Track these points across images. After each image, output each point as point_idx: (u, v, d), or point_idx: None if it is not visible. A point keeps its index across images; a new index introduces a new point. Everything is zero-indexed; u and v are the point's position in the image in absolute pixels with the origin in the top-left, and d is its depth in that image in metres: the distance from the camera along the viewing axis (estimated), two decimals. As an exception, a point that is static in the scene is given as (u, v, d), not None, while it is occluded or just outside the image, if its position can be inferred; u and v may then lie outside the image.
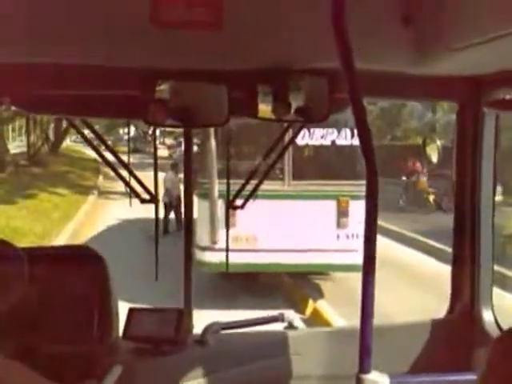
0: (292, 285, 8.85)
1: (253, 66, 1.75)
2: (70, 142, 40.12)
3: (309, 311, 7.93)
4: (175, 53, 1.66)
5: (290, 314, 2.24)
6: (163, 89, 1.82)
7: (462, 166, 2.14)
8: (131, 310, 1.89)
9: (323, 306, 7.99)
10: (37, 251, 1.87)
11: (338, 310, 7.35)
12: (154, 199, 2.25)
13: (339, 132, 8.00)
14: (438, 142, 2.46)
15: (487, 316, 2.12)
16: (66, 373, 1.72)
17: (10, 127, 33.59)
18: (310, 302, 8.11)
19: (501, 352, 0.90)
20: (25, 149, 26.30)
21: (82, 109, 2.00)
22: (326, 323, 7.07)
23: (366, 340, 1.35)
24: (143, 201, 2.25)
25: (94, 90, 1.87)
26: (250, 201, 2.47)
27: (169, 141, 39.44)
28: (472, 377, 1.65)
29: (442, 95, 2.10)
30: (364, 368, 1.38)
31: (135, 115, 2.05)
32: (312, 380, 2.05)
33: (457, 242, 2.19)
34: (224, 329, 2.01)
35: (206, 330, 1.96)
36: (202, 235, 7.83)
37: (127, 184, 2.30)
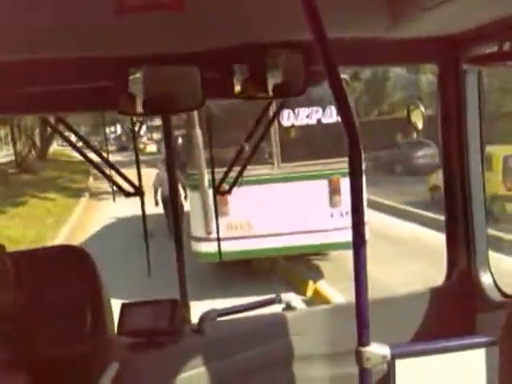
0: (290, 268, 8.85)
1: (224, 44, 1.71)
2: (57, 147, 39.93)
3: (310, 292, 7.93)
4: (144, 39, 1.61)
5: (291, 296, 2.21)
6: (136, 77, 1.78)
7: (448, 130, 2.10)
8: (124, 305, 1.86)
9: (323, 285, 8.00)
10: (24, 253, 1.83)
11: (339, 288, 7.36)
12: (138, 192, 2.22)
13: (324, 110, 7.94)
14: (422, 108, 2.42)
15: (486, 279, 2.10)
16: (63, 373, 1.69)
17: (-5, 136, 33.36)
18: (310, 283, 8.11)
19: None
20: (12, 157, 26.15)
21: (56, 105, 1.94)
22: (327, 301, 7.07)
23: (362, 313, 1.32)
24: (128, 194, 2.22)
25: (67, 85, 1.82)
26: (243, 187, 2.43)
27: (157, 136, 39.38)
28: (473, 341, 1.63)
29: (420, 58, 2.06)
30: (363, 341, 1.35)
31: (111, 106, 2.00)
32: (314, 359, 2.03)
33: (448, 207, 2.16)
34: (221, 315, 1.97)
35: (203, 318, 1.92)
36: (196, 226, 7.79)
37: (110, 179, 2.26)
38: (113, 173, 2.28)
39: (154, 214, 9.11)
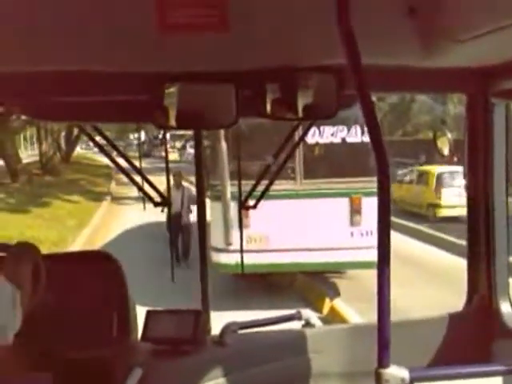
0: (308, 284, 8.84)
1: (260, 65, 1.76)
2: (80, 150, 40.41)
3: (326, 310, 7.92)
4: (182, 56, 1.67)
5: (308, 313, 2.24)
6: (172, 91, 1.83)
7: (474, 159, 2.13)
8: (149, 312, 1.91)
9: (340, 304, 7.99)
10: (54, 257, 1.89)
11: (355, 307, 7.34)
12: (166, 202, 2.27)
13: (349, 129, 7.98)
14: (449, 135, 2.45)
15: (505, 308, 2.11)
16: (87, 376, 1.74)
17: (22, 136, 33.87)
18: (327, 300, 8.10)
19: None
20: (37, 158, 26.54)
21: (92, 115, 2.02)
22: (344, 320, 7.06)
23: (384, 334, 1.35)
24: (156, 204, 2.28)
25: (104, 96, 1.89)
26: (263, 201, 2.48)
27: (179, 144, 39.63)
28: (491, 368, 1.64)
29: (450, 87, 2.09)
30: (383, 362, 1.38)
31: (145, 119, 2.07)
32: (332, 377, 2.05)
33: (471, 235, 2.18)
34: (242, 328, 2.01)
35: (224, 330, 1.97)
36: (216, 237, 7.85)
37: (140, 188, 2.32)
38: (138, 179, 2.33)
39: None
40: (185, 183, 11.05)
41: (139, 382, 1.73)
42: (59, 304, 1.78)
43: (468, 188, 2.19)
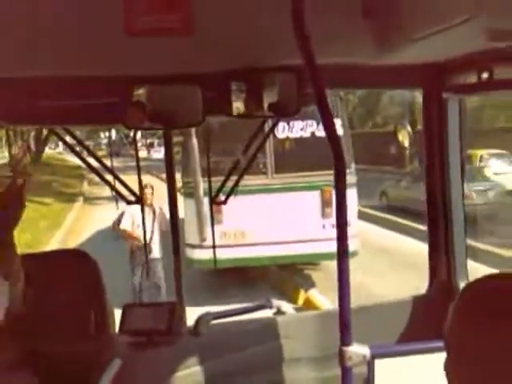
0: (282, 276, 8.95)
1: (224, 66, 1.83)
2: (50, 151, 39.83)
3: (301, 300, 8.04)
4: (149, 59, 1.72)
5: (283, 305, 2.32)
6: (140, 93, 1.90)
7: (431, 150, 2.24)
8: (126, 306, 1.98)
9: (315, 294, 8.12)
10: (32, 256, 1.94)
11: (330, 297, 7.46)
12: (139, 200, 2.33)
13: (318, 123, 8.08)
14: (409, 128, 2.57)
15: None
16: (68, 369, 1.80)
17: (-10, 140, 33.29)
18: (302, 291, 8.22)
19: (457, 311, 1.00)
20: (6, 160, 26.10)
21: (62, 118, 2.06)
22: (319, 310, 7.18)
23: (344, 315, 1.44)
24: (129, 202, 2.34)
25: (73, 99, 1.93)
26: (236, 196, 2.55)
27: (147, 141, 39.21)
28: None
29: (406, 83, 2.19)
30: (345, 341, 1.47)
31: (115, 120, 2.12)
32: (303, 362, 2.14)
33: (431, 222, 2.29)
34: (215, 318, 2.09)
35: (199, 320, 2.05)
36: (190, 234, 7.89)
37: (112, 188, 2.37)
38: (112, 179, 2.38)
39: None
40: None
41: (118, 372, 1.80)
42: (38, 301, 1.83)
43: (427, 178, 2.30)
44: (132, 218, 7.19)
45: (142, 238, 6.23)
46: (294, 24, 1.29)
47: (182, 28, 1.42)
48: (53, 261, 2.04)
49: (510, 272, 1.03)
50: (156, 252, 7.30)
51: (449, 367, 0.98)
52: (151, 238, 7.13)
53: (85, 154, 2.43)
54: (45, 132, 25.62)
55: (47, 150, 35.40)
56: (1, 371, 1.75)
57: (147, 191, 7.19)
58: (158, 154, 35.55)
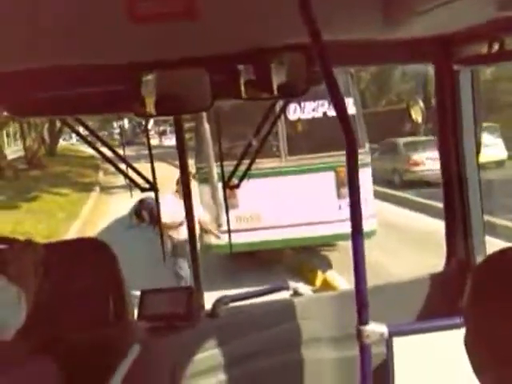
0: (298, 258, 8.96)
1: (231, 48, 1.82)
2: (64, 142, 40.12)
3: (319, 282, 8.06)
4: (155, 45, 1.72)
5: (300, 286, 2.32)
6: (148, 80, 1.89)
7: (444, 124, 2.21)
8: (143, 292, 1.99)
9: (332, 275, 8.13)
10: (50, 246, 1.96)
11: (347, 278, 7.48)
12: (153, 187, 2.34)
13: (330, 103, 8.03)
14: (421, 104, 2.54)
15: None
16: (88, 356, 1.83)
17: (5, 133, 33.54)
18: (319, 273, 8.24)
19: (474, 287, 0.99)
20: (22, 153, 26.34)
21: (72, 108, 2.07)
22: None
23: (361, 294, 1.44)
24: (143, 189, 2.34)
25: (82, 89, 1.93)
26: (251, 180, 2.54)
27: (159, 128, 39.35)
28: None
29: (416, 57, 2.16)
30: (363, 320, 1.47)
31: (125, 109, 2.12)
32: (322, 342, 2.15)
33: (447, 199, 2.27)
34: (233, 301, 2.11)
35: (216, 303, 2.06)
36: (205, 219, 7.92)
37: (126, 176, 2.39)
38: (125, 168, 2.39)
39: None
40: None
41: (138, 357, 1.82)
42: (57, 290, 1.86)
43: (441, 154, 2.27)
44: (168, 211, 6.51)
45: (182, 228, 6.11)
46: (300, 1, 1.28)
47: (185, 12, 1.41)
48: (70, 249, 2.06)
49: None
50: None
51: (468, 342, 0.98)
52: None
53: (98, 144, 2.45)
54: (58, 124, 25.83)
55: (61, 142, 35.66)
56: (20, 358, 1.78)
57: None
58: (170, 141, 35.71)
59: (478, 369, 0.97)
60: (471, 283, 1.00)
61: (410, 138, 17.19)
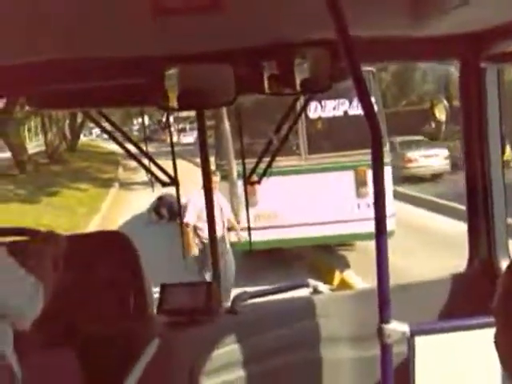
0: (317, 257, 8.93)
1: (255, 43, 1.81)
2: (84, 138, 40.47)
3: (336, 281, 8.03)
4: (180, 38, 1.72)
5: (319, 285, 2.31)
6: (172, 74, 1.89)
7: (469, 123, 2.18)
8: (163, 286, 2.00)
9: (350, 275, 8.09)
10: (72, 238, 1.97)
11: (364, 278, 7.43)
12: (174, 182, 2.34)
13: (351, 102, 7.99)
14: (445, 102, 2.51)
15: (505, 265, 2.18)
16: (108, 348, 1.84)
17: (26, 127, 33.94)
18: (337, 272, 8.20)
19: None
20: (43, 148, 26.63)
21: (95, 101, 2.07)
22: (354, 291, 7.15)
23: (384, 292, 1.43)
24: (165, 184, 2.35)
25: (106, 82, 1.94)
26: (270, 178, 2.53)
27: (178, 126, 39.55)
28: (487, 320, 1.72)
29: (441, 55, 2.14)
30: (384, 318, 1.46)
31: (148, 102, 2.12)
32: (340, 341, 2.13)
33: (470, 198, 2.24)
34: (252, 297, 2.10)
35: (236, 299, 2.06)
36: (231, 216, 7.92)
37: (148, 170, 2.39)
38: (147, 163, 2.39)
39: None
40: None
41: (157, 351, 1.82)
42: (79, 282, 1.87)
43: (465, 153, 2.24)
44: (196, 210, 6.25)
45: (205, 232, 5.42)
46: None
47: (210, 5, 1.41)
48: (93, 242, 2.07)
49: None
50: (228, 245, 6.63)
51: (499, 340, 0.98)
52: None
53: (119, 139, 2.45)
54: (79, 119, 26.08)
55: (81, 137, 35.97)
56: (41, 348, 1.79)
57: (215, 179, 6.18)
58: (188, 138, 35.80)
59: (509, 365, 0.96)
60: (503, 281, 0.99)
61: (406, 138, 17.57)
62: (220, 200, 6.28)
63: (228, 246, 6.61)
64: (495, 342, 0.99)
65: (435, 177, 16.44)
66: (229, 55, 1.84)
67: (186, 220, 6.31)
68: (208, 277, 6.44)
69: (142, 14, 1.42)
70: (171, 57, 1.85)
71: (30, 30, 1.47)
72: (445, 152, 16.56)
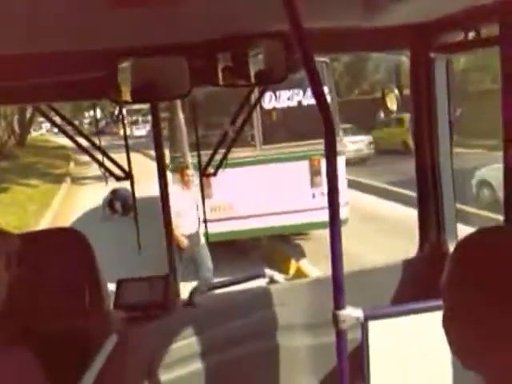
0: (272, 247, 8.99)
1: (210, 35, 1.81)
2: (33, 133, 39.46)
3: (292, 271, 8.11)
4: (133, 31, 1.70)
5: (275, 274, 2.33)
6: (125, 66, 1.87)
7: (419, 112, 2.23)
8: (120, 281, 1.98)
9: (305, 264, 8.18)
10: (24, 235, 1.93)
11: (320, 266, 7.53)
12: (128, 176, 2.32)
13: (304, 92, 8.04)
14: (396, 92, 2.55)
15: None
16: (65, 347, 1.81)
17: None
18: (293, 262, 8.28)
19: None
20: (-9, 143, 25.84)
21: (47, 96, 2.03)
22: (311, 280, 7.23)
23: (338, 279, 1.45)
24: (118, 178, 2.32)
25: (58, 76, 1.90)
26: (225, 170, 2.53)
27: (130, 119, 39.10)
28: (438, 303, 1.78)
29: (393, 45, 2.17)
30: (339, 305, 1.48)
31: (101, 96, 2.09)
32: (297, 328, 2.16)
33: (420, 184, 2.30)
34: (210, 289, 2.10)
35: (193, 292, 2.06)
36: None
37: (102, 165, 2.35)
38: (100, 158, 2.36)
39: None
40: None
41: (115, 347, 1.81)
42: (32, 280, 1.83)
43: (415, 141, 2.30)
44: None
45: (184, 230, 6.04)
46: None
47: None
48: (44, 239, 2.03)
49: (497, 226, 1.09)
50: (202, 240, 6.58)
51: (446, 323, 1.00)
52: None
53: (70, 134, 2.40)
54: (28, 114, 25.40)
55: (31, 132, 35.07)
56: None
57: (188, 172, 6.55)
58: (140, 131, 35.41)
59: (457, 347, 0.99)
60: (448, 267, 1.02)
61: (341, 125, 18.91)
62: (195, 194, 6.20)
63: (202, 239, 6.60)
64: (443, 324, 1.01)
65: (363, 160, 18.44)
66: (183, 48, 1.83)
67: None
68: (208, 263, 6.69)
69: (96, 7, 1.39)
70: (125, 50, 1.83)
71: None
72: (369, 138, 19.42)
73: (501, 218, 1.78)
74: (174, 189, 6.18)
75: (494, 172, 9.58)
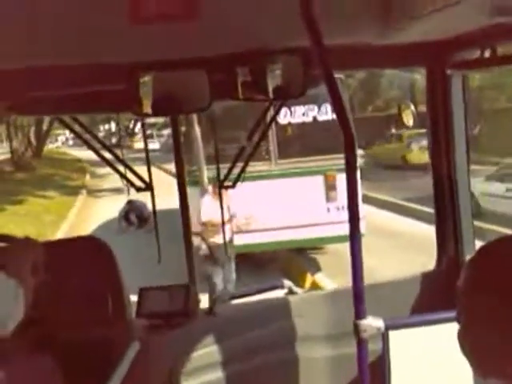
0: (289, 261, 9.00)
1: (230, 49, 1.85)
2: (50, 145, 39.86)
3: (308, 284, 8.10)
4: (155, 45, 1.74)
5: (290, 283, 2.36)
6: (147, 80, 1.92)
7: (435, 128, 2.26)
8: (142, 290, 2.02)
9: (321, 278, 8.18)
10: (48, 244, 1.97)
11: (335, 280, 7.52)
12: (149, 187, 2.36)
13: (320, 108, 8.10)
14: (412, 107, 2.59)
15: None
16: (88, 354, 1.84)
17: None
18: (308, 275, 8.28)
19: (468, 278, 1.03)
20: (8, 155, 26.13)
21: (70, 107, 2.08)
22: (325, 294, 7.22)
23: (358, 289, 1.48)
24: (139, 189, 2.37)
25: (81, 88, 1.95)
26: (241, 183, 2.57)
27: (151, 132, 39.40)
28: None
29: (409, 62, 2.21)
30: (360, 315, 1.51)
31: (122, 109, 2.14)
32: (316, 339, 2.18)
33: (438, 199, 2.32)
34: (230, 299, 2.14)
35: (214, 301, 2.09)
36: (195, 222, 7.93)
37: (123, 176, 2.41)
38: (122, 169, 2.41)
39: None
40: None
41: (137, 355, 1.84)
42: (56, 288, 1.87)
43: (432, 157, 2.32)
44: (209, 212, 6.32)
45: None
46: (301, 5, 1.31)
47: (185, 13, 1.43)
48: (67, 247, 2.07)
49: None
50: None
51: (461, 335, 1.01)
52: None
53: (87, 146, 2.46)
54: (45, 126, 25.68)
55: (47, 144, 35.42)
56: (19, 357, 1.78)
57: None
58: (154, 144, 35.72)
59: (473, 357, 1.00)
60: (464, 277, 1.03)
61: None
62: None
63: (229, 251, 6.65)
64: (459, 340, 1.01)
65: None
66: (203, 62, 1.87)
67: (204, 218, 6.54)
68: (218, 281, 6.65)
69: (118, 22, 1.44)
70: (147, 63, 1.88)
71: (2, 36, 1.47)
72: (360, 152, 19.31)
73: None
74: (205, 200, 6.51)
75: (476, 184, 10.34)
